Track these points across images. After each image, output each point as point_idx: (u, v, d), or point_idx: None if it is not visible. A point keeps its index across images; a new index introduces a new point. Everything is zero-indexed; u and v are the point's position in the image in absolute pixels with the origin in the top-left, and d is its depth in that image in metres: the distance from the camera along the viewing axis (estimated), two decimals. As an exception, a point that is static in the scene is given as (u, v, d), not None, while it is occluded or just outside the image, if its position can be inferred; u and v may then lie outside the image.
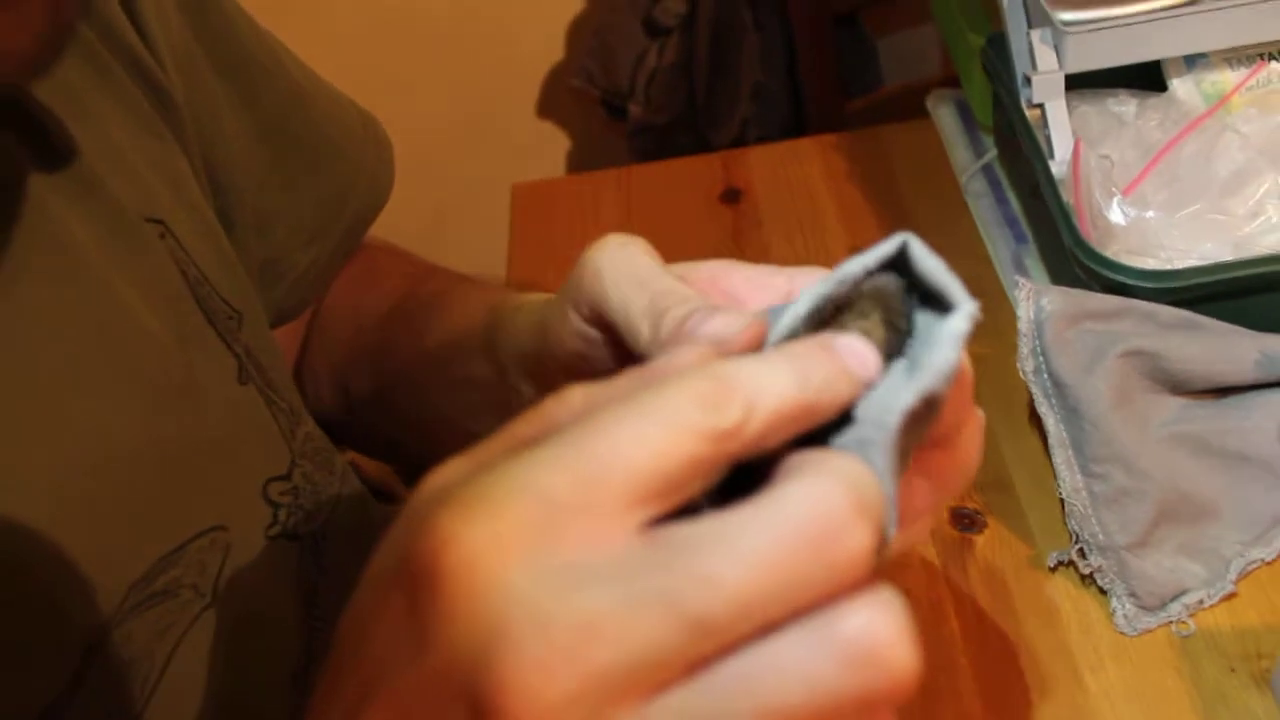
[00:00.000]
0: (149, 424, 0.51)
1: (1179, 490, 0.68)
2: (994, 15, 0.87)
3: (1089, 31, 0.79)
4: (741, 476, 0.30)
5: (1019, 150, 0.84)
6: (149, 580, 0.50)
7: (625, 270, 0.44)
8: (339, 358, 0.76)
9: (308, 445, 0.61)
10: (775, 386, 0.30)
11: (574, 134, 1.86)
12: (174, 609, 0.51)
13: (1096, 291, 0.72)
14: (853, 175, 1.01)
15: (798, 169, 1.03)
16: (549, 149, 1.86)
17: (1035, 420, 0.73)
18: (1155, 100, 0.84)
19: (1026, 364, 0.71)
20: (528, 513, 0.28)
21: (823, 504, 0.28)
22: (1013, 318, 0.72)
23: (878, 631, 0.27)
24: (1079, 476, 0.69)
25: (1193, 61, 0.84)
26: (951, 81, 1.04)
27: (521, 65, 1.78)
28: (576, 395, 0.33)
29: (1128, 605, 0.67)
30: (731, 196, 1.01)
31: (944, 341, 0.33)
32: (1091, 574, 0.68)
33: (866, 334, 0.34)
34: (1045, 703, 0.65)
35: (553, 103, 1.82)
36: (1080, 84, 0.83)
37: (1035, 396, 0.71)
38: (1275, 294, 0.72)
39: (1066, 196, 0.78)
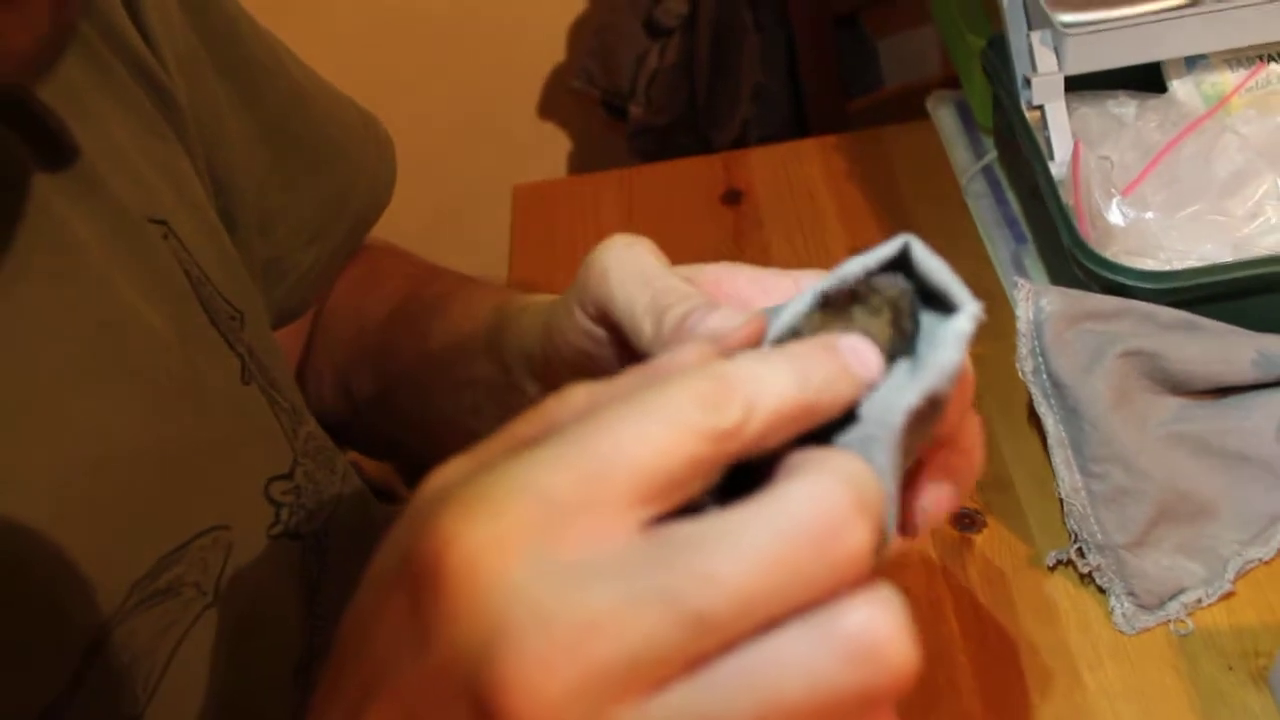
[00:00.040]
0: (151, 423, 0.52)
1: (1177, 490, 0.68)
2: (994, 17, 0.87)
3: (1089, 33, 0.79)
4: (744, 475, 0.31)
5: (1019, 151, 0.85)
6: (151, 578, 0.50)
7: (631, 270, 0.45)
8: (341, 358, 0.76)
9: (309, 444, 0.62)
10: (776, 386, 0.30)
11: (575, 135, 1.86)
12: (176, 607, 0.51)
13: (1096, 292, 0.73)
14: (853, 176, 1.01)
15: (798, 170, 1.03)
16: (550, 150, 1.86)
17: (1034, 420, 0.74)
18: (1155, 101, 0.84)
19: (1026, 364, 0.71)
20: (529, 512, 0.28)
21: (823, 502, 0.28)
22: (1012, 318, 0.72)
23: (877, 627, 0.27)
24: (1078, 476, 0.69)
25: (1192, 63, 0.84)
26: (952, 83, 1.05)
27: (522, 66, 1.78)
28: (578, 394, 0.33)
29: (1126, 604, 0.67)
30: (732, 197, 1.02)
31: (948, 341, 0.33)
32: (1090, 573, 0.68)
33: (872, 333, 0.34)
34: (1044, 701, 0.65)
35: (554, 103, 1.82)
36: (1080, 85, 0.84)
37: (1034, 396, 0.71)
38: (1274, 295, 0.73)
39: (1066, 197, 0.79)
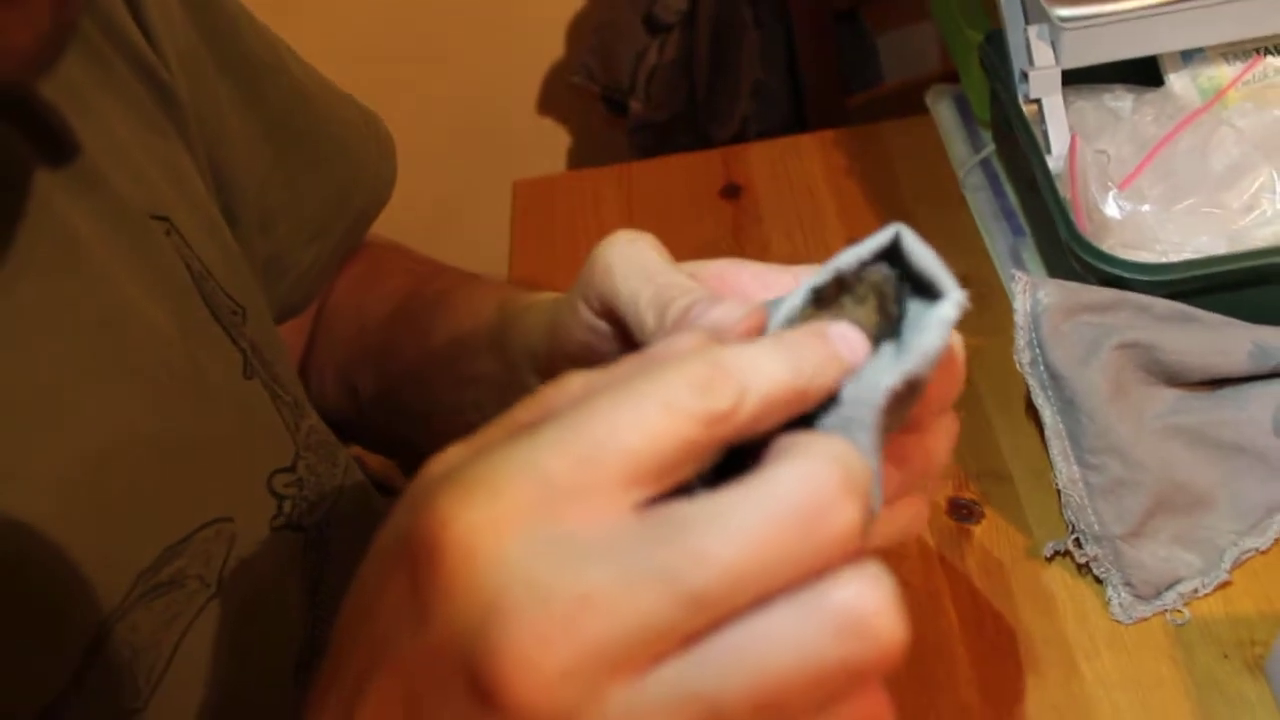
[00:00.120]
0: (154, 417, 0.52)
1: (1174, 481, 0.69)
2: (992, 11, 0.87)
3: (1085, 27, 0.79)
4: (734, 460, 0.31)
5: (1016, 145, 0.85)
6: (155, 571, 0.50)
7: (635, 265, 0.45)
8: (343, 355, 0.77)
9: (311, 438, 0.62)
10: (768, 371, 0.31)
11: (575, 130, 1.86)
12: (180, 599, 0.51)
13: (1092, 284, 0.73)
14: (852, 171, 1.01)
15: (798, 165, 1.03)
16: (550, 145, 1.86)
17: (1032, 412, 0.74)
18: (1151, 95, 0.84)
19: (1023, 356, 0.71)
20: (526, 493, 0.29)
21: (812, 482, 0.29)
22: (1010, 310, 0.72)
23: (866, 602, 0.28)
24: (1075, 467, 0.69)
25: (1189, 56, 0.84)
26: (950, 77, 1.05)
27: (523, 62, 1.78)
28: (575, 381, 0.33)
29: (1123, 594, 0.68)
30: (732, 192, 1.02)
31: (931, 327, 0.34)
32: (1087, 563, 0.69)
33: (860, 321, 0.34)
34: (1041, 691, 0.65)
35: (554, 99, 1.82)
36: (1077, 79, 0.84)
37: (1032, 388, 0.71)
38: (1269, 287, 0.73)
39: (1063, 191, 0.79)
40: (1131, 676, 0.65)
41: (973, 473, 0.76)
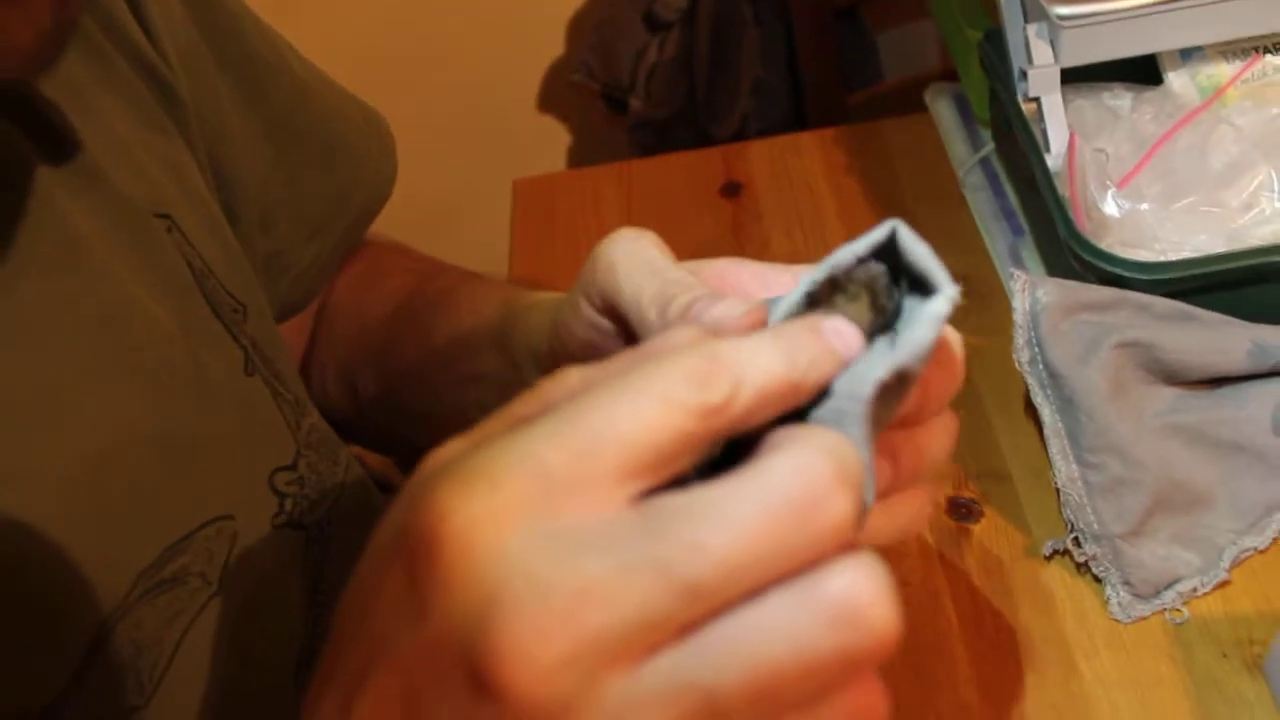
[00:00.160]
0: (155, 415, 0.52)
1: (1173, 480, 0.69)
2: (991, 10, 0.88)
3: (1084, 25, 0.79)
4: (729, 455, 0.31)
5: (1015, 144, 0.85)
6: (157, 568, 0.51)
7: (637, 262, 0.46)
8: (344, 355, 0.77)
9: (312, 436, 0.62)
10: (763, 364, 0.31)
11: (575, 129, 1.86)
12: (182, 597, 0.51)
13: (1091, 283, 0.73)
14: (852, 169, 1.02)
15: (797, 163, 1.03)
16: (550, 144, 1.87)
17: (1031, 410, 0.74)
18: (1150, 93, 0.84)
19: (1022, 355, 0.71)
20: (524, 485, 0.29)
21: (805, 473, 0.29)
22: (1010, 310, 0.72)
23: (860, 591, 0.28)
24: (1074, 466, 0.69)
25: (1188, 55, 0.84)
26: (950, 76, 1.05)
27: (523, 60, 1.78)
28: (573, 375, 0.34)
29: (1122, 593, 0.68)
30: (731, 190, 1.02)
31: (922, 321, 0.34)
32: (1086, 562, 0.69)
33: (853, 317, 0.35)
34: (1040, 689, 0.65)
35: (554, 97, 1.82)
36: (1076, 78, 0.84)
37: (1031, 387, 0.71)
38: (1268, 285, 0.73)
39: (1062, 189, 0.79)
40: (1130, 675, 0.65)
41: (972, 472, 0.76)
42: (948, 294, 0.34)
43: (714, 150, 1.07)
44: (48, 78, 0.51)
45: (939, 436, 0.40)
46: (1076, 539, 0.69)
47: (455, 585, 0.29)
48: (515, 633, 0.28)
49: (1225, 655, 0.65)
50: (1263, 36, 0.83)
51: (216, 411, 0.55)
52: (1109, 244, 0.76)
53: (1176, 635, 0.67)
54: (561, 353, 0.52)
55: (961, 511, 0.74)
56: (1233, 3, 0.79)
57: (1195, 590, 0.68)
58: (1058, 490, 0.70)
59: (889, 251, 0.36)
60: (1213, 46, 0.84)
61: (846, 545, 0.29)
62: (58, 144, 0.52)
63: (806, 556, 0.29)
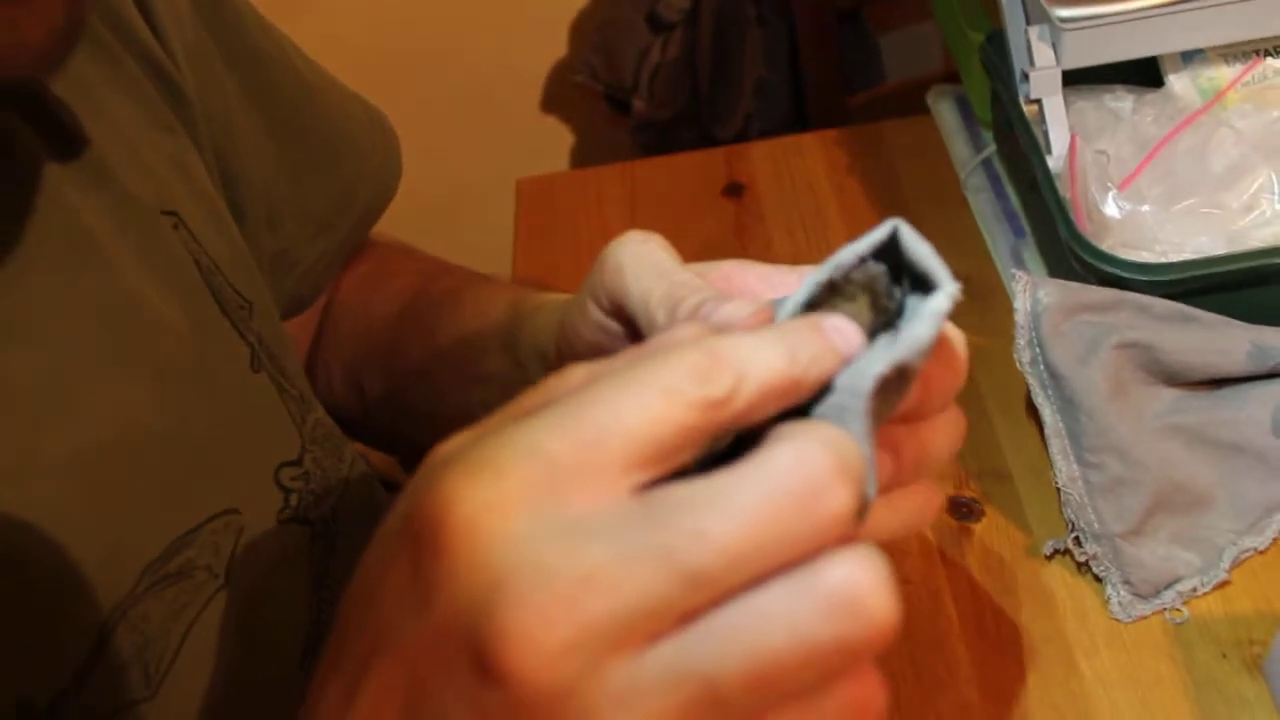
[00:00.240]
0: (163, 409, 0.52)
1: (1173, 480, 0.69)
2: (993, 12, 0.88)
3: (1086, 28, 0.80)
4: (734, 451, 0.32)
5: (1017, 145, 0.85)
6: (164, 561, 0.51)
7: (646, 264, 0.46)
8: (350, 355, 0.77)
9: (317, 431, 0.62)
10: (764, 360, 0.32)
11: (578, 129, 1.87)
12: (189, 589, 0.52)
13: (1092, 284, 0.73)
14: (854, 170, 1.02)
15: (800, 164, 1.04)
16: (553, 144, 1.87)
17: (1032, 411, 0.74)
18: (1151, 96, 0.84)
19: (1023, 355, 0.72)
20: (530, 474, 0.30)
21: (806, 465, 0.29)
22: (1011, 310, 0.73)
23: (859, 582, 0.29)
24: (1075, 466, 0.70)
25: (1189, 57, 0.85)
26: (952, 77, 1.05)
27: (526, 60, 1.78)
28: (578, 371, 0.34)
29: (1122, 593, 0.68)
30: (734, 191, 1.02)
31: (922, 317, 0.34)
32: (1087, 562, 0.69)
33: (854, 316, 0.35)
34: (1041, 688, 0.66)
35: (557, 98, 1.82)
36: (1077, 80, 0.84)
37: (1032, 387, 0.72)
38: (1268, 287, 0.73)
39: (1063, 191, 0.79)
40: (1130, 675, 0.66)
41: (973, 471, 0.77)
42: (948, 290, 0.34)
43: (717, 151, 1.07)
44: (58, 77, 0.52)
45: (944, 432, 0.40)
46: (1077, 538, 0.69)
47: (460, 571, 0.29)
48: (520, 618, 0.28)
49: (1225, 655, 0.66)
50: (1263, 39, 0.84)
51: (223, 407, 0.56)
52: (1110, 245, 0.76)
53: (1177, 635, 0.67)
54: (568, 354, 0.53)
55: (963, 511, 0.75)
56: (1234, 6, 0.80)
57: (1195, 590, 0.68)
58: (1058, 490, 0.70)
59: (891, 250, 0.37)
60: (1214, 49, 0.84)
61: (847, 537, 0.29)
62: (67, 142, 0.52)
63: (807, 547, 0.29)
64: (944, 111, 1.03)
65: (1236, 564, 0.69)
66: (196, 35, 0.63)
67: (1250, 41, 0.84)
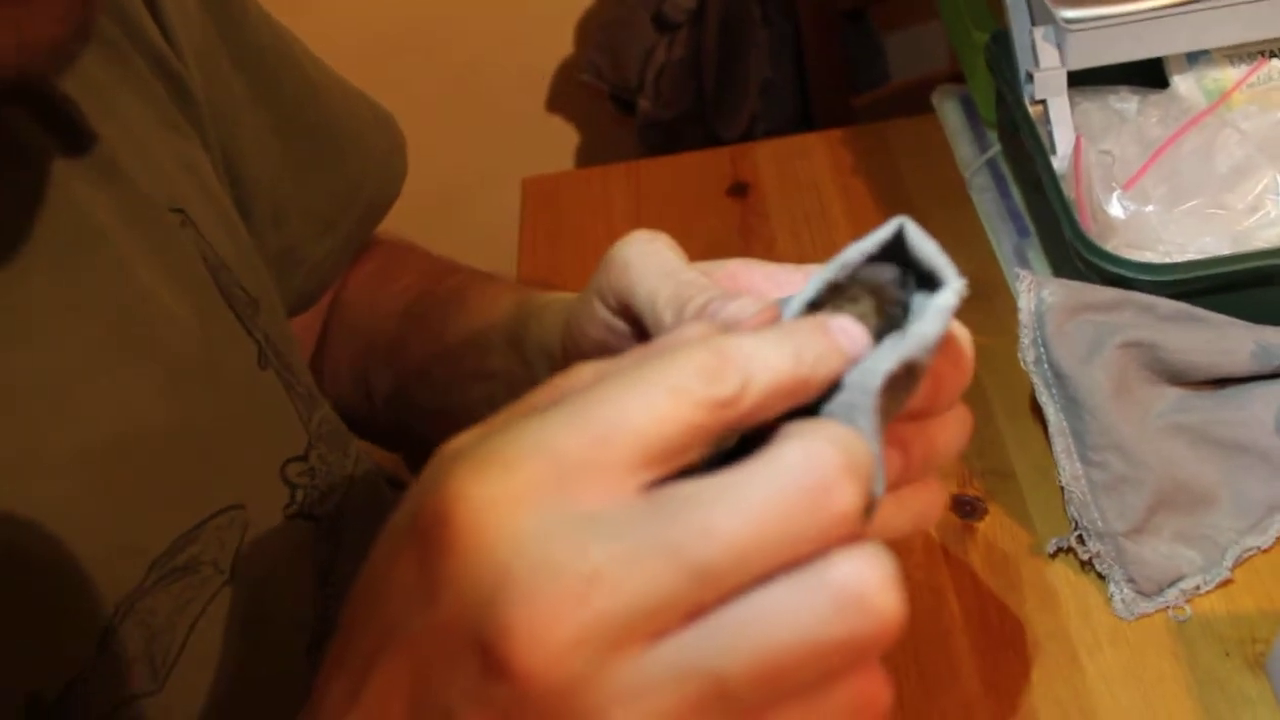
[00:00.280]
0: (170, 405, 0.53)
1: (1176, 479, 0.69)
2: (998, 12, 0.88)
3: (1091, 29, 0.80)
4: (742, 450, 0.32)
5: (1022, 146, 0.85)
6: (170, 556, 0.51)
7: (653, 263, 0.46)
8: (355, 350, 0.77)
9: (323, 428, 0.63)
10: (771, 360, 0.32)
11: (583, 128, 1.87)
12: (194, 584, 0.52)
13: (1096, 284, 0.74)
14: (858, 170, 1.02)
15: (804, 163, 1.04)
16: (558, 143, 1.87)
17: (1036, 409, 0.74)
18: (1156, 97, 0.85)
19: (1027, 354, 0.72)
20: (538, 470, 0.30)
21: (814, 462, 0.29)
22: (1015, 310, 0.73)
23: (866, 579, 0.29)
24: (1078, 464, 0.70)
25: (1194, 59, 0.85)
26: (957, 77, 1.05)
27: (531, 59, 1.78)
28: (586, 370, 0.34)
29: (1126, 591, 0.68)
30: (739, 190, 1.02)
31: (930, 314, 0.34)
32: (1090, 560, 0.69)
33: (860, 316, 0.35)
34: (1044, 685, 0.66)
35: (562, 97, 1.82)
36: (1082, 80, 0.84)
37: (1036, 386, 0.72)
38: (1272, 287, 0.73)
39: (1068, 191, 0.79)
40: (1133, 672, 0.66)
41: (977, 470, 0.77)
42: (954, 287, 0.35)
43: (722, 150, 1.08)
44: (68, 75, 0.52)
45: (951, 429, 0.40)
46: (1080, 536, 0.69)
47: (468, 567, 0.29)
48: (527, 614, 0.28)
49: (1228, 653, 0.66)
50: (1268, 41, 0.84)
51: (230, 403, 0.56)
52: (1114, 245, 0.76)
53: (1179, 633, 0.67)
54: (574, 352, 0.53)
55: (967, 509, 0.75)
56: (1239, 7, 0.80)
57: (1198, 588, 0.68)
58: (1062, 488, 0.70)
59: (897, 249, 0.37)
60: (1219, 50, 0.84)
61: (854, 534, 0.29)
62: (76, 139, 0.53)
63: (814, 544, 0.29)
64: (949, 112, 1.03)
65: (1239, 563, 0.69)
66: (204, 34, 0.63)
67: (1255, 43, 0.84)
